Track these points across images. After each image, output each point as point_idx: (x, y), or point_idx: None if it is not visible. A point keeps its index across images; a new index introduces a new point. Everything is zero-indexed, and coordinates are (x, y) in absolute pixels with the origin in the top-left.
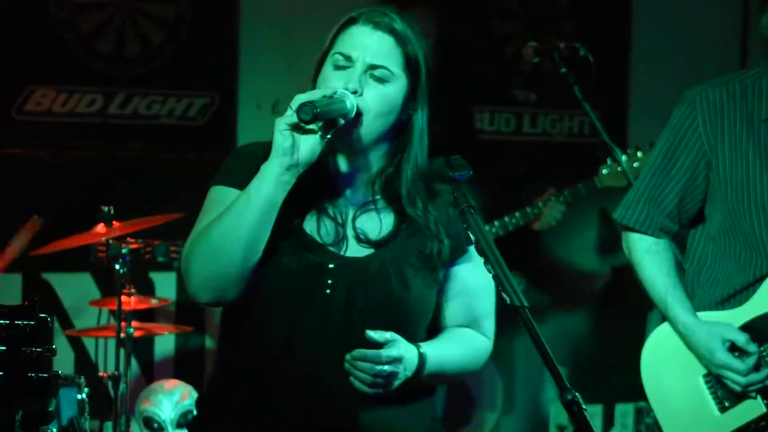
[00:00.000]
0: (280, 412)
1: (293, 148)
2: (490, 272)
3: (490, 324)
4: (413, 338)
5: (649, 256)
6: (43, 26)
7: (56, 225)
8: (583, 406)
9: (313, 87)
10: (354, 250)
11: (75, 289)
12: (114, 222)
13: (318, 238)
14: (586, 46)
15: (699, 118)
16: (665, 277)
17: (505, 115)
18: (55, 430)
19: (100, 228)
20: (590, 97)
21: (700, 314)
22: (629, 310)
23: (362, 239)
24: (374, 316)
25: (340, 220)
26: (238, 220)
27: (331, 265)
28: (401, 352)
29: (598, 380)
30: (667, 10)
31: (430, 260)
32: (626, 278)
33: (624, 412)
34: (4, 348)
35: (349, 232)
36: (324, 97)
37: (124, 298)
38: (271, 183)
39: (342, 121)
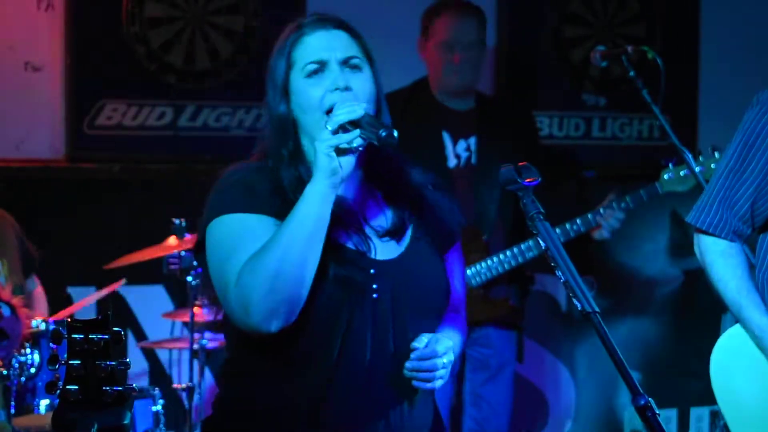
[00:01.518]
0: (330, 421)
1: (338, 167)
2: (560, 278)
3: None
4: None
5: (723, 260)
6: (115, 40)
7: (129, 238)
8: (657, 411)
9: (285, 104)
10: (382, 251)
11: (148, 302)
12: (186, 234)
13: (351, 245)
14: (655, 49)
15: None
16: (738, 280)
17: (575, 120)
18: None
19: (172, 240)
20: (659, 101)
21: None
22: (703, 314)
23: (382, 235)
24: (420, 311)
25: (357, 223)
26: (295, 243)
27: (372, 271)
28: (447, 341)
29: (673, 384)
30: (736, 12)
31: (439, 244)
32: (699, 282)
33: (699, 416)
34: (79, 362)
35: (370, 233)
36: (366, 114)
37: (196, 309)
38: (321, 203)
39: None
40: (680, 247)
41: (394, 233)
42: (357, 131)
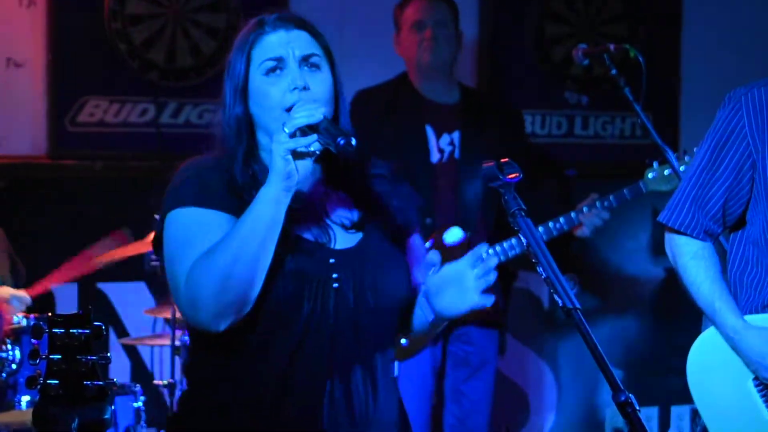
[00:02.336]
0: (293, 413)
1: (294, 171)
2: (542, 275)
3: None
4: (409, 312)
5: (695, 262)
6: (97, 37)
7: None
8: (637, 407)
9: (242, 103)
10: (342, 241)
11: (130, 298)
12: None
13: (310, 237)
14: (637, 47)
15: (745, 118)
16: (711, 283)
17: (557, 118)
18: None
19: (154, 236)
20: (641, 99)
21: (746, 318)
22: (684, 312)
23: (344, 227)
24: (383, 300)
25: (315, 215)
26: (247, 245)
27: (332, 261)
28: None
29: (654, 382)
30: (718, 10)
31: (398, 233)
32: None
33: (680, 414)
34: (60, 357)
35: (331, 224)
36: (325, 119)
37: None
38: (274, 205)
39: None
40: (661, 245)
41: (354, 225)
42: (314, 136)
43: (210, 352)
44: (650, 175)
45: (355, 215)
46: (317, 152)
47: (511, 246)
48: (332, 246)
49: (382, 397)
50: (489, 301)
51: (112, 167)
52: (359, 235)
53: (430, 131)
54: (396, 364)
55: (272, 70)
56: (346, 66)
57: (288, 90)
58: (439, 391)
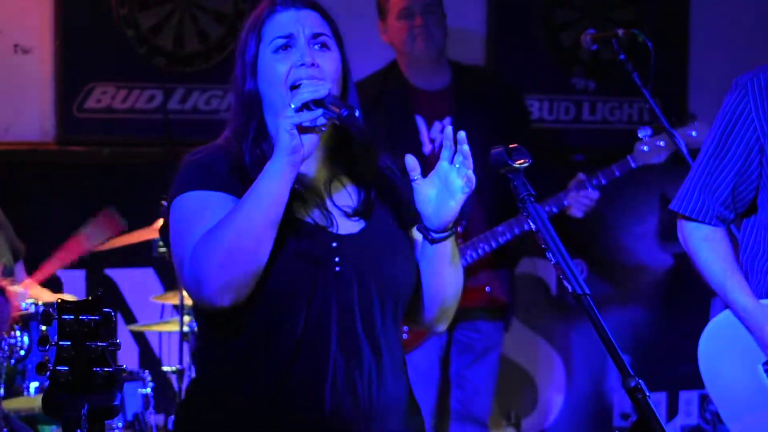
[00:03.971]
0: (297, 398)
1: (299, 145)
2: (551, 260)
3: None
4: (407, 302)
5: (707, 244)
6: (104, 23)
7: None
8: (647, 393)
9: (253, 80)
10: (345, 227)
11: (138, 285)
12: None
13: (311, 221)
14: (645, 32)
15: (752, 103)
16: (723, 263)
17: (565, 104)
18: (120, 424)
19: (162, 223)
20: (649, 84)
21: None
22: (692, 297)
23: (347, 214)
24: (386, 286)
25: (318, 199)
26: (252, 220)
27: (334, 244)
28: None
29: (662, 368)
30: None
31: (405, 223)
32: (689, 265)
33: (688, 399)
34: (69, 343)
35: (333, 210)
36: (331, 94)
37: (186, 292)
38: (280, 180)
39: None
40: (670, 230)
41: (359, 212)
42: (320, 110)
43: (215, 337)
44: (641, 149)
45: (359, 203)
46: (323, 128)
47: (502, 232)
48: (334, 231)
49: (388, 382)
50: (472, 182)
51: (119, 153)
52: (363, 223)
53: (420, 121)
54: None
55: (282, 48)
56: (352, 47)
57: (296, 66)
58: (445, 377)
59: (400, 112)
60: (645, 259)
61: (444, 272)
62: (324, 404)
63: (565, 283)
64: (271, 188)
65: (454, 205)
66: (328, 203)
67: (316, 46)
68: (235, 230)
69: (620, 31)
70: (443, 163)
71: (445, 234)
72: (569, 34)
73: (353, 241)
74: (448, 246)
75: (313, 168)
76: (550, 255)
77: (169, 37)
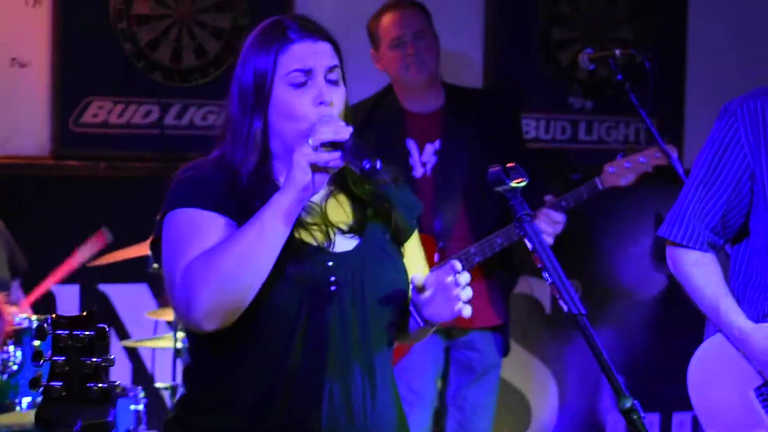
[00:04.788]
0: (294, 414)
1: (310, 184)
2: (547, 280)
3: None
4: (406, 314)
5: (697, 269)
6: (102, 37)
7: (114, 236)
8: (642, 414)
9: (263, 115)
10: (341, 244)
11: (131, 300)
12: None
13: (311, 240)
14: (644, 52)
15: (741, 129)
16: (714, 287)
17: (561, 123)
18: None
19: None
20: (647, 104)
21: None
22: (687, 318)
23: (343, 231)
24: (380, 302)
25: (318, 219)
26: (253, 250)
27: (330, 263)
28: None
29: (656, 389)
30: (724, 15)
31: (396, 237)
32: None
33: (681, 421)
34: (64, 358)
35: (330, 229)
36: (351, 138)
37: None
38: (286, 216)
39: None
40: (664, 251)
41: (354, 229)
42: (338, 153)
43: (207, 354)
44: (608, 170)
45: (354, 219)
46: (335, 169)
47: (475, 252)
48: (331, 249)
49: (380, 400)
50: (468, 311)
51: (115, 168)
52: (357, 239)
53: (412, 145)
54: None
55: (299, 83)
56: (352, 68)
57: (314, 104)
58: (442, 396)
59: (392, 135)
60: (639, 279)
61: (420, 335)
62: (319, 421)
63: (561, 303)
64: (275, 223)
65: (449, 315)
66: (327, 221)
67: (329, 82)
68: (234, 260)
69: (618, 51)
70: (446, 279)
71: (435, 327)
72: (567, 53)
73: (348, 259)
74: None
75: None
76: (546, 275)
77: (167, 51)
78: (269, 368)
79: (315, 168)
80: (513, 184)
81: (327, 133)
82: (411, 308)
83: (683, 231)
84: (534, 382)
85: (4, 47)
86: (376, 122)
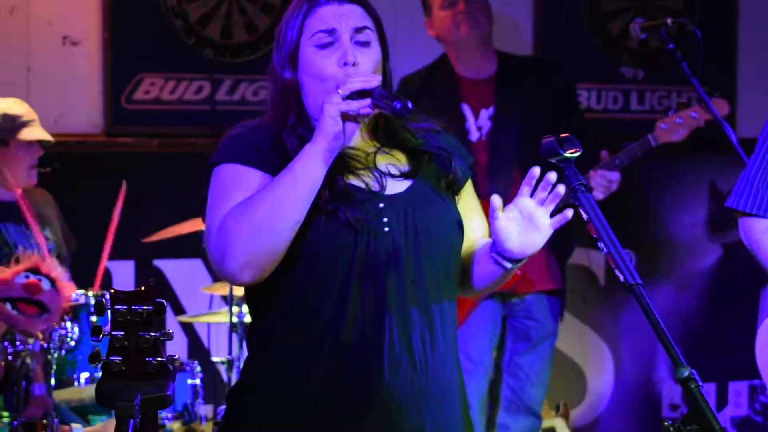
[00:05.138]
0: (356, 353)
1: (341, 133)
2: (602, 250)
3: None
4: (458, 259)
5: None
6: (152, 14)
7: (167, 212)
8: (700, 383)
9: (292, 70)
10: (392, 187)
11: (186, 275)
12: None
13: (359, 184)
14: (693, 21)
15: None
16: None
17: (613, 93)
18: (170, 415)
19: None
20: (698, 73)
21: None
22: (742, 287)
23: (394, 176)
24: (435, 244)
25: (363, 165)
26: (285, 199)
27: (381, 204)
28: None
29: (711, 358)
30: None
31: (452, 184)
32: (738, 255)
33: (738, 390)
34: (122, 333)
35: (377, 173)
36: (380, 86)
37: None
38: (317, 164)
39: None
40: (719, 220)
41: (403, 173)
42: (368, 100)
43: (265, 313)
44: (661, 127)
45: (403, 164)
46: (366, 119)
47: None
48: (381, 192)
49: (440, 350)
50: (564, 218)
51: (168, 144)
52: (409, 182)
53: (467, 109)
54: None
55: (324, 43)
56: (400, 49)
57: (338, 64)
58: (497, 364)
59: (447, 100)
60: (694, 249)
61: (492, 285)
62: (382, 371)
63: (617, 273)
64: (307, 171)
65: (540, 240)
66: (374, 167)
67: (357, 43)
68: (266, 208)
69: (669, 20)
70: (526, 201)
71: (518, 265)
72: (617, 22)
73: (399, 200)
74: (511, 272)
75: (358, 140)
76: (602, 245)
77: (217, 27)
78: (327, 318)
79: (345, 117)
80: (567, 154)
81: (356, 83)
82: (492, 254)
83: (752, 200)
84: (589, 352)
85: (56, 26)
86: (431, 88)
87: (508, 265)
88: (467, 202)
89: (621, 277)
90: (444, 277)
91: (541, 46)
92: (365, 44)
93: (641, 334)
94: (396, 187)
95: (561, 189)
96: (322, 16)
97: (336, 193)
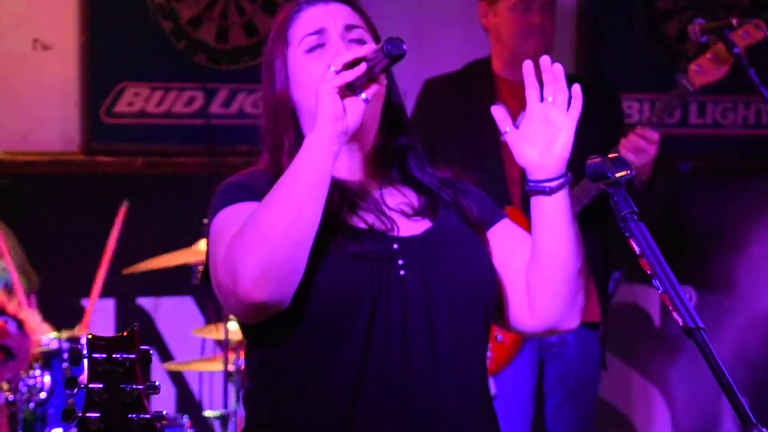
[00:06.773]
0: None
1: (341, 112)
2: (658, 288)
3: None
4: (489, 307)
5: None
6: (137, 14)
7: (153, 242)
8: None
9: (285, 88)
10: (407, 228)
11: (175, 316)
12: None
13: (367, 227)
14: (764, 20)
15: None
16: None
17: None
18: None
19: (203, 245)
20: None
21: None
22: None
23: (407, 214)
24: (459, 292)
25: (373, 206)
26: (290, 195)
27: (395, 246)
28: None
29: None
30: None
31: (474, 222)
32: None
33: None
34: (102, 386)
35: (390, 213)
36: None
37: (232, 325)
38: (322, 153)
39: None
40: None
41: (421, 212)
42: (363, 64)
43: (271, 368)
44: (695, 69)
45: (421, 203)
46: (367, 99)
47: None
48: (395, 234)
49: (468, 408)
50: (577, 101)
51: (154, 164)
52: (428, 223)
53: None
54: (492, 381)
55: (314, 47)
56: (422, 46)
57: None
58: (539, 413)
59: (482, 97)
60: (764, 285)
61: (569, 232)
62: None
63: (675, 315)
64: (311, 161)
65: (566, 137)
66: (385, 207)
67: (351, 42)
68: (274, 210)
69: (734, 20)
70: (533, 106)
71: (563, 180)
72: (675, 23)
73: (416, 242)
74: (567, 197)
75: (360, 174)
76: (657, 282)
77: (212, 29)
78: (337, 366)
79: (344, 93)
80: (616, 177)
81: (347, 55)
82: (527, 187)
83: None
84: (639, 403)
85: (26, 28)
86: (467, 85)
87: (548, 185)
88: (506, 237)
89: (680, 321)
90: (471, 328)
91: (585, 50)
92: (359, 42)
93: (701, 384)
94: (411, 228)
95: (557, 67)
96: (307, 19)
97: (347, 233)
